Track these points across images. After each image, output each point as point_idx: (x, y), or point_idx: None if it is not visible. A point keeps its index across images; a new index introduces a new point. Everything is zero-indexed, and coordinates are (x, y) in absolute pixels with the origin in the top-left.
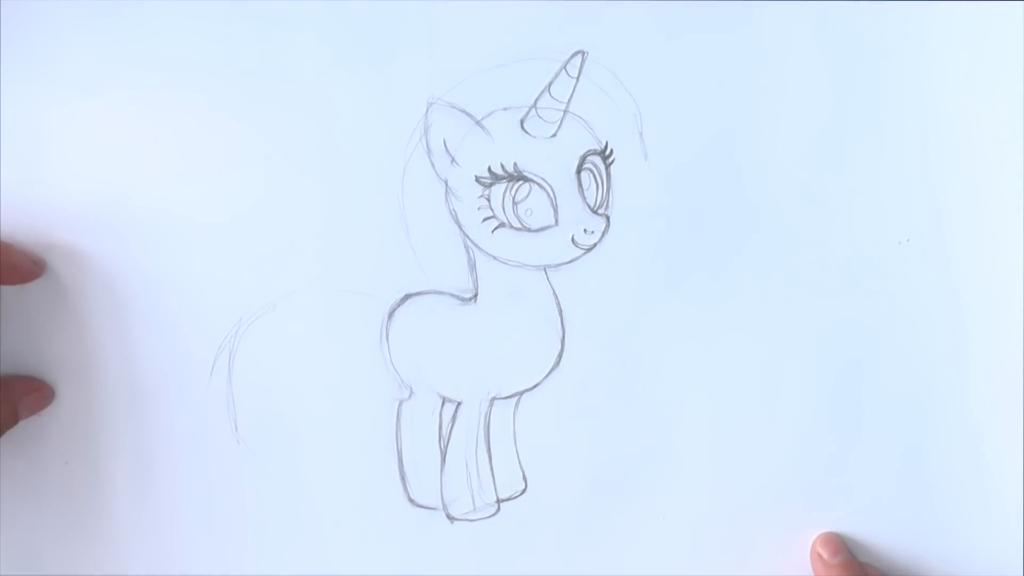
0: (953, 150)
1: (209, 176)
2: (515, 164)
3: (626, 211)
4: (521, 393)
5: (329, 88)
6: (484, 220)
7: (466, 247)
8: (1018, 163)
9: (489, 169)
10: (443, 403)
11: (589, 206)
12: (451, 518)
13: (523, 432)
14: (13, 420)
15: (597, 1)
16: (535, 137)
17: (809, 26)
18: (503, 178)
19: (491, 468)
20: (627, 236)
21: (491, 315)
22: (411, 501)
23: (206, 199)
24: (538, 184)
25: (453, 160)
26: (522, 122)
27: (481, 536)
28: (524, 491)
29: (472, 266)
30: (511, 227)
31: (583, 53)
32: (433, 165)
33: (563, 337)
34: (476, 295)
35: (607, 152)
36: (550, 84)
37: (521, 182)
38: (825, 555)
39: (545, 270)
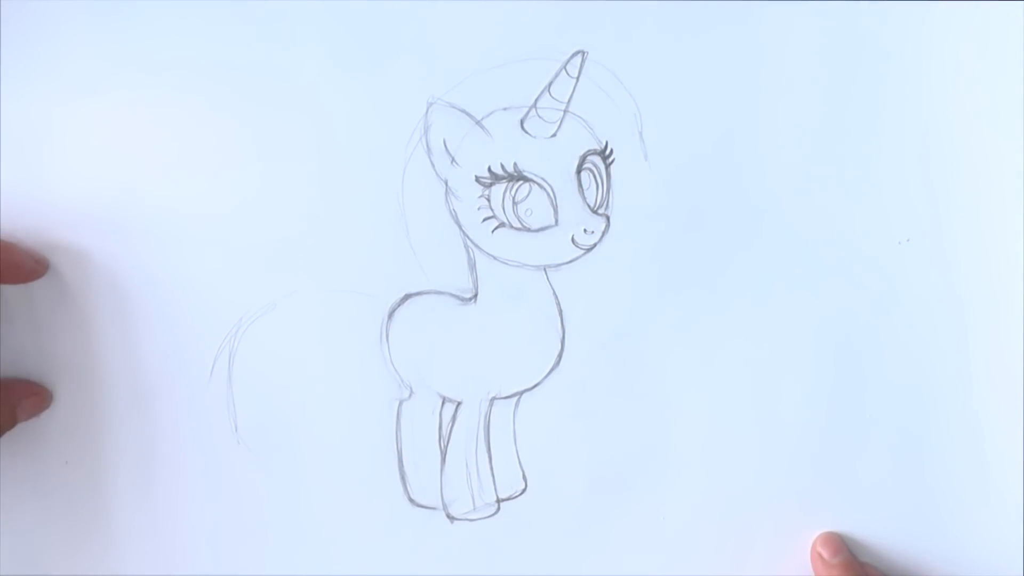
0: (953, 150)
1: (209, 176)
2: (515, 164)
3: (626, 211)
4: (521, 393)
5: (329, 88)
6: (484, 220)
7: (466, 247)
8: (1018, 163)
9: (489, 169)
10: (443, 403)
11: (589, 206)
12: (451, 518)
13: (523, 432)
14: (11, 422)
15: (597, 1)
16: (535, 137)
17: (809, 26)
18: (503, 178)
19: (491, 468)
20: (627, 236)
21: (491, 315)
22: (411, 501)
23: (206, 199)
24: (538, 184)
25: (453, 160)
26: (522, 122)
27: (481, 536)
28: (524, 491)
29: (472, 266)
30: (511, 227)
31: (583, 53)
32: (433, 165)
33: (563, 337)
34: (476, 295)
35: (607, 152)
36: (550, 84)
37: (521, 182)
38: (825, 555)
39: (545, 270)
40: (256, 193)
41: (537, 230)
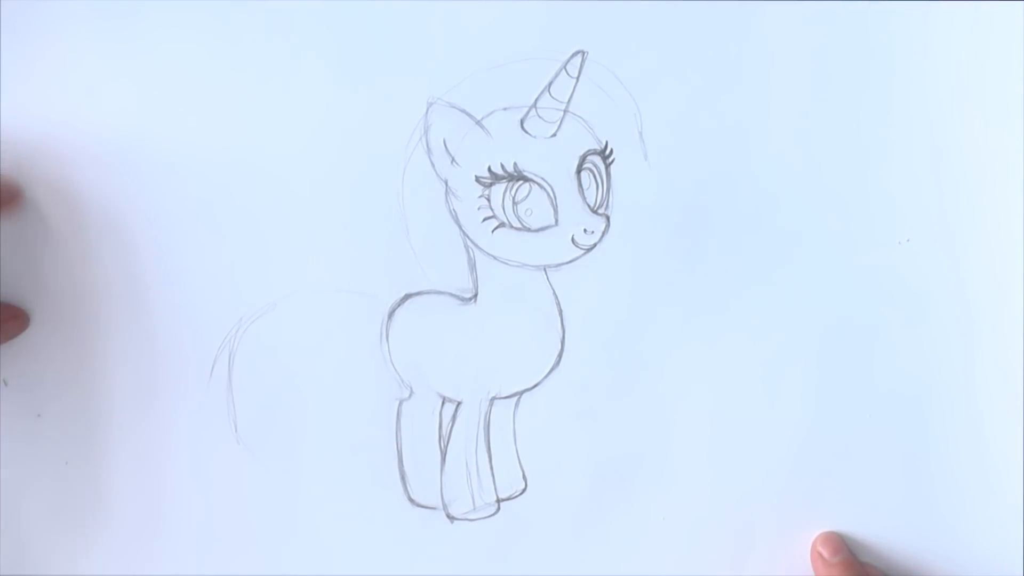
0: (953, 150)
1: (209, 176)
2: (515, 164)
3: (626, 211)
4: (521, 393)
5: (329, 88)
6: (484, 220)
7: (466, 247)
8: (1018, 163)
9: (489, 169)
10: (443, 403)
11: (589, 206)
12: (451, 518)
13: (523, 432)
14: None
15: (597, 1)
16: (535, 137)
17: (808, 26)
18: (503, 178)
19: (491, 468)
20: (627, 236)
21: (491, 315)
22: (411, 501)
23: (206, 199)
24: (538, 184)
25: (453, 160)
26: (522, 122)
27: (481, 536)
28: (524, 491)
29: (472, 266)
30: (511, 227)
31: (583, 53)
32: (433, 165)
33: (563, 337)
34: (476, 295)
35: (607, 152)
36: (550, 84)
37: (521, 182)
38: (826, 554)
39: (545, 270)
40: (256, 193)
41: (537, 230)
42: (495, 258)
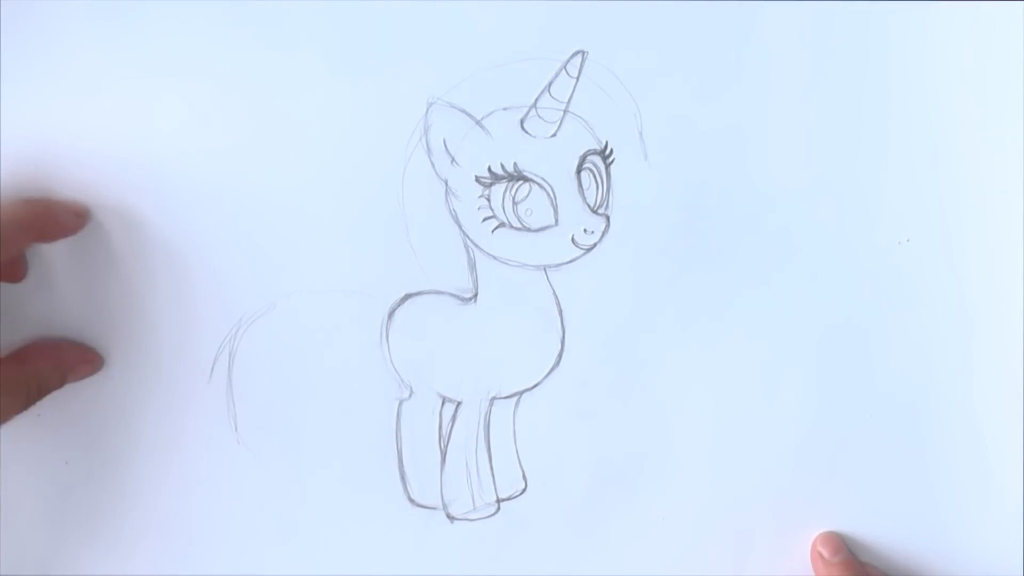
0: (953, 150)
1: (209, 176)
2: (515, 164)
3: (626, 211)
4: (521, 393)
5: (329, 88)
6: (484, 220)
7: (466, 247)
8: (1019, 162)
9: (489, 169)
10: (443, 403)
11: (589, 206)
12: (451, 518)
13: (523, 432)
14: (60, 383)
15: (597, 1)
16: (535, 137)
17: (809, 26)
18: (503, 178)
19: (491, 468)
20: (627, 236)
21: (491, 315)
22: (411, 501)
23: (206, 199)
24: (538, 184)
25: (453, 160)
26: (522, 122)
27: (481, 536)
28: (524, 491)
29: (472, 266)
30: (511, 227)
31: (583, 53)
32: (433, 165)
33: (563, 337)
34: (476, 295)
35: (607, 152)
36: (550, 84)
37: (521, 182)
38: (826, 554)
39: (545, 270)
40: (256, 193)
41: (537, 230)
42: (495, 258)
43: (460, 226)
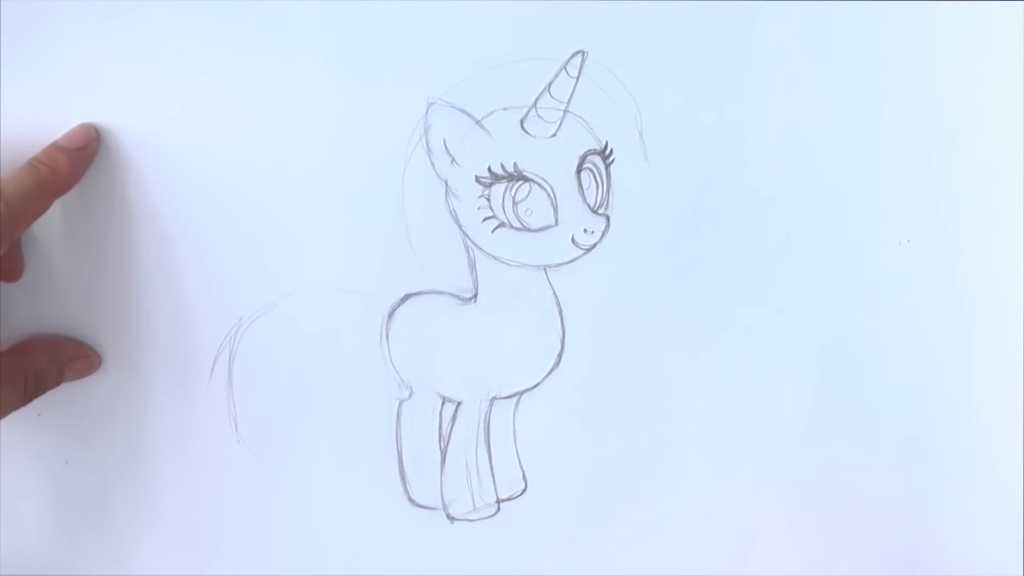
0: (953, 150)
1: (209, 176)
2: (515, 164)
3: (626, 211)
4: (521, 393)
5: (329, 88)
6: (484, 220)
7: (466, 247)
8: (1018, 163)
9: (489, 169)
10: (443, 403)
11: (589, 206)
12: (451, 518)
13: (523, 432)
14: (58, 381)
15: (597, 1)
16: (535, 137)
17: (809, 26)
18: (503, 178)
19: (491, 468)
20: (627, 236)
21: (491, 315)
22: (411, 501)
23: (206, 198)
24: (538, 184)
25: (453, 160)
26: (522, 122)
27: (481, 536)
28: (524, 491)
29: (472, 266)
30: (511, 227)
31: (583, 53)
32: (433, 165)
33: (563, 337)
34: (476, 295)
35: (607, 152)
36: (550, 84)
37: (521, 182)
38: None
39: (545, 270)
40: (256, 193)
41: (537, 230)
42: (495, 258)
43: (460, 226)
